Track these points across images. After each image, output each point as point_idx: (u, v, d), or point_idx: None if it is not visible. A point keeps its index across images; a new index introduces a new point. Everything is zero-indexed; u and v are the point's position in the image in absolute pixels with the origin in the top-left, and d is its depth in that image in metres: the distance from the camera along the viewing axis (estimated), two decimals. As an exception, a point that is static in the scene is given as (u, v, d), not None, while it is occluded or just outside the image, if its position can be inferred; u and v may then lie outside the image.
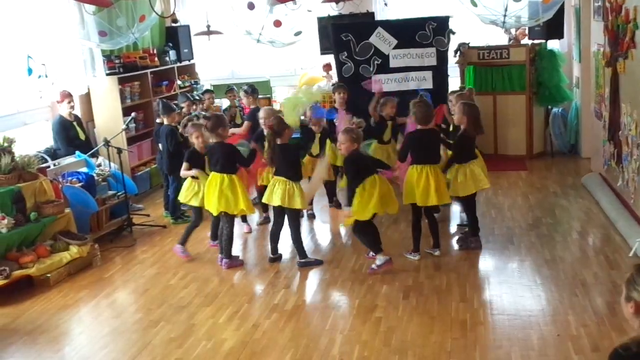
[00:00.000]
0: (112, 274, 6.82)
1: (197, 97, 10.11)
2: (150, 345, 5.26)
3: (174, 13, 10.59)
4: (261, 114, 7.61)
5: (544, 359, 4.63)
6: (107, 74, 9.31)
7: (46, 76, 8.40)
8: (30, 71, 8.23)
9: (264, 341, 5.23)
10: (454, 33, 9.58)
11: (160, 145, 8.39)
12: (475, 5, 7.79)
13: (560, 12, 9.60)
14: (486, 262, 6.48)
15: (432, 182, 6.34)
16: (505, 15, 7.47)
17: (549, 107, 10.38)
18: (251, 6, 8.21)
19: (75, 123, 8.74)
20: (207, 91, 10.67)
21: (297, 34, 8.75)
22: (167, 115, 8.23)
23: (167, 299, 6.14)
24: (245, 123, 8.92)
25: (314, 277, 6.36)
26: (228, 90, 10.00)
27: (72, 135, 8.68)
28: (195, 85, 11.45)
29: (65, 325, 5.82)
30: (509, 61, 10.12)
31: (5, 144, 6.99)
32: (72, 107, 8.71)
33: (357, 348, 4.97)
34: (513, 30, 10.40)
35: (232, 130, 9.12)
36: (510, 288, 5.80)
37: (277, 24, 8.40)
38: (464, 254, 6.70)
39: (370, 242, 6.42)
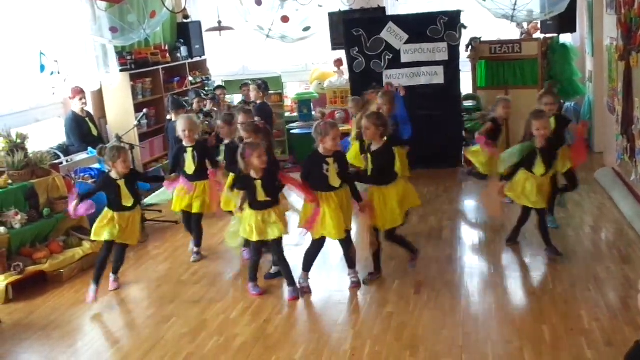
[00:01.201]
0: (125, 269, 6.83)
1: (208, 94, 10.15)
2: (162, 341, 5.29)
3: (184, 9, 10.60)
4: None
5: (556, 353, 4.61)
6: (119, 71, 9.34)
7: (59, 73, 8.45)
8: (42, 68, 8.28)
9: (275, 336, 5.24)
10: (465, 27, 9.54)
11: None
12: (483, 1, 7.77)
13: (572, 6, 9.56)
14: (498, 256, 6.45)
15: None
16: (514, 9, 7.43)
17: (562, 101, 10.31)
18: (259, 2, 8.20)
19: (87, 119, 8.79)
20: (218, 87, 10.71)
21: (306, 29, 8.74)
22: (177, 111, 8.25)
23: (179, 294, 6.16)
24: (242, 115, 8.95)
25: (325, 273, 6.34)
26: (243, 85, 10.02)
27: (85, 131, 8.74)
28: (206, 82, 11.48)
29: (78, 320, 5.85)
30: (521, 55, 10.04)
31: (19, 141, 7.04)
32: (85, 104, 8.75)
33: (369, 343, 4.96)
34: (525, 25, 10.34)
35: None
36: (522, 282, 5.77)
37: (285, 19, 8.39)
38: (475, 249, 6.69)
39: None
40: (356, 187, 5.86)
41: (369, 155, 5.87)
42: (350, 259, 6.03)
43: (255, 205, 5.71)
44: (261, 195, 5.68)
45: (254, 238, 5.73)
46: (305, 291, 5.93)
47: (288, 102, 11.81)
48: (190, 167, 6.73)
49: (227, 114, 7.07)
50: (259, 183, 5.65)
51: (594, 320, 4.98)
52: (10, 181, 6.89)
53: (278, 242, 5.86)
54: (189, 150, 6.76)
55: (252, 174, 5.66)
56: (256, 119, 8.62)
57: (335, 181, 5.70)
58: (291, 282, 5.90)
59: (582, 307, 5.21)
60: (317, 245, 5.96)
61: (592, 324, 4.94)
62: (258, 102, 9.14)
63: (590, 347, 4.62)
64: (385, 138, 5.81)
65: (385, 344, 4.92)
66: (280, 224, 5.74)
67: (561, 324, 5.01)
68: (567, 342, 4.76)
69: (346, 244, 5.93)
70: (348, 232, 5.89)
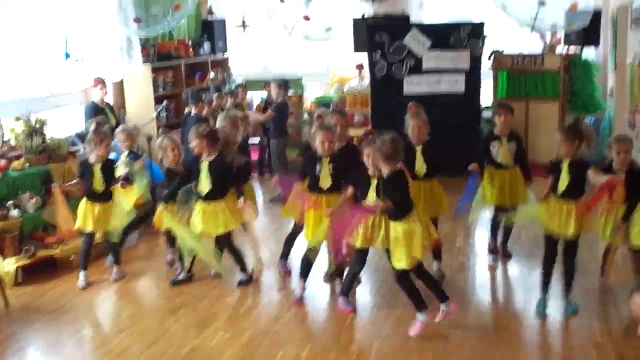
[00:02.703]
0: (136, 259, 6.84)
1: (229, 91, 10.14)
2: (168, 332, 5.28)
3: (209, 3, 10.63)
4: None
5: (566, 366, 4.57)
6: (142, 62, 9.37)
7: (82, 60, 8.48)
8: (67, 55, 8.32)
9: (283, 333, 5.23)
10: (486, 37, 9.50)
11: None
12: (505, 9, 7.74)
13: (596, 21, 9.52)
14: (513, 269, 6.40)
15: None
16: (535, 19, 7.39)
17: (582, 115, 10.24)
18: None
19: (107, 109, 8.81)
20: (240, 85, 10.73)
21: (328, 29, 8.72)
22: (195, 105, 8.25)
23: (188, 287, 6.15)
24: (269, 112, 8.96)
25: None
26: (267, 84, 10.03)
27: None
28: (227, 79, 11.50)
29: (87, 307, 5.86)
30: (543, 68, 10.00)
31: (37, 125, 7.08)
32: (105, 94, 8.77)
33: (376, 344, 4.94)
34: (548, 37, 10.29)
35: (254, 116, 9.15)
36: (536, 295, 5.70)
37: (306, 18, 8.37)
38: (487, 258, 6.64)
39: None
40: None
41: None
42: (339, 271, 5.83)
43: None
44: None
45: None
46: (297, 302, 5.72)
47: (308, 104, 11.79)
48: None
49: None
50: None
51: (607, 334, 4.94)
52: (27, 164, 6.92)
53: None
54: None
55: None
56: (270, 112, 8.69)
57: (325, 183, 5.55)
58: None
59: (595, 321, 5.16)
60: (314, 253, 5.71)
61: (605, 337, 4.90)
62: (279, 100, 9.12)
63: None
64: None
65: (393, 345, 4.89)
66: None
67: (574, 337, 4.97)
68: (579, 355, 4.71)
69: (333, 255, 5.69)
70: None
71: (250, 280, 6.15)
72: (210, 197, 5.81)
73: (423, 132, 5.80)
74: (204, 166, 5.80)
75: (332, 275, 6.00)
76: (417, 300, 5.06)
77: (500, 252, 6.52)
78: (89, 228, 6.19)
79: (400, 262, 4.92)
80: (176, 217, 5.92)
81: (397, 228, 4.94)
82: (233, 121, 6.37)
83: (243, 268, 6.15)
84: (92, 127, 6.27)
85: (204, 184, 5.80)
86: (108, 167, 6.19)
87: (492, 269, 6.35)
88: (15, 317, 5.64)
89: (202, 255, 5.97)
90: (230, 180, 5.90)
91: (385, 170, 4.94)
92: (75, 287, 6.21)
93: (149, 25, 8.01)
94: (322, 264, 6.08)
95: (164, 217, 6.01)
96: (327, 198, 5.55)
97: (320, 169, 5.55)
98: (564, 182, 5.16)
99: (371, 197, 5.21)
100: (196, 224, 5.83)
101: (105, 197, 6.17)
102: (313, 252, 5.71)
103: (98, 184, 6.13)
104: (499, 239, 6.52)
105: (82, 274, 6.26)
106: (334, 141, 5.57)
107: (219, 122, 6.38)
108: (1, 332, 5.34)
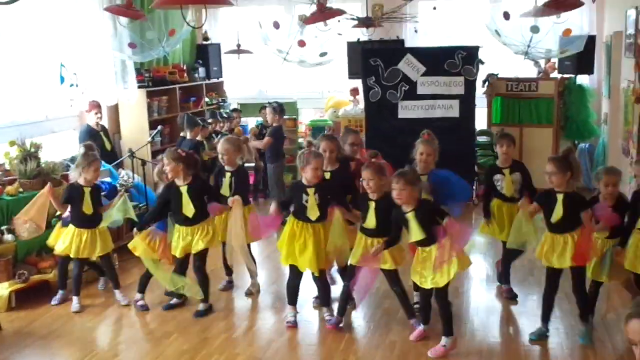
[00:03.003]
0: (130, 283, 6.81)
1: (226, 116, 10.17)
2: (162, 356, 5.25)
3: (205, 32, 10.69)
4: None
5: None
6: (137, 87, 9.41)
7: (77, 85, 8.51)
8: (62, 79, 8.34)
9: (277, 357, 5.20)
10: (482, 63, 9.59)
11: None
12: (499, 35, 7.80)
13: (590, 48, 9.59)
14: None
15: None
16: (529, 46, 7.44)
17: (576, 142, 10.31)
18: (276, 25, 8.23)
19: (101, 133, 8.82)
20: (234, 110, 10.77)
21: (323, 54, 8.77)
22: (191, 130, 8.27)
23: (182, 311, 6.12)
24: (266, 138, 9.00)
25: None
26: (262, 108, 10.08)
27: (98, 145, 8.70)
28: (222, 104, 11.54)
29: (80, 331, 5.82)
30: (537, 94, 10.07)
31: (32, 150, 7.07)
32: (100, 118, 8.80)
33: (371, 370, 4.92)
34: (542, 64, 10.37)
35: (253, 143, 9.22)
36: (529, 320, 5.68)
37: (302, 44, 8.41)
38: (482, 282, 6.63)
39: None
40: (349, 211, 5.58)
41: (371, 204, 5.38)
42: (324, 297, 5.85)
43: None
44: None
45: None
46: (291, 326, 5.71)
47: (302, 128, 11.83)
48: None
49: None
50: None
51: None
52: (21, 189, 6.91)
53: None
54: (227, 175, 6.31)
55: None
56: (267, 138, 8.74)
57: (313, 213, 5.51)
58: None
59: (589, 347, 5.14)
60: (294, 276, 5.73)
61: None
62: (274, 124, 9.16)
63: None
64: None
65: (387, 372, 4.86)
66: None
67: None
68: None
69: (320, 281, 5.73)
70: (323, 270, 5.68)
71: (209, 311, 6.06)
72: (196, 220, 5.86)
73: (431, 161, 5.80)
74: (184, 190, 5.83)
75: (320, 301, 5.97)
76: (449, 323, 5.19)
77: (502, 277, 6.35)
78: (77, 254, 6.18)
79: (443, 278, 5.01)
80: (146, 243, 5.95)
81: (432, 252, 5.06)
82: (236, 144, 6.35)
83: (205, 298, 6.05)
84: (81, 150, 6.27)
85: (187, 209, 5.81)
86: (97, 191, 6.20)
87: (488, 294, 6.35)
88: (8, 342, 5.59)
89: (159, 279, 6.08)
90: (211, 198, 5.97)
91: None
92: (69, 311, 6.17)
93: (143, 51, 8.04)
94: (311, 289, 6.04)
95: (138, 243, 6.01)
96: (314, 226, 5.53)
97: (307, 198, 5.51)
98: (557, 214, 5.12)
99: (370, 219, 5.30)
100: (176, 247, 5.90)
101: (94, 221, 6.17)
102: (294, 274, 5.70)
103: (87, 207, 6.12)
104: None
105: (75, 299, 6.23)
106: (322, 169, 5.56)
107: (221, 146, 6.33)
108: (-7, 357, 5.30)
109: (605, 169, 5.52)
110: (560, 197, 5.11)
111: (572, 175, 5.10)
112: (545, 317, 5.37)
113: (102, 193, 7.08)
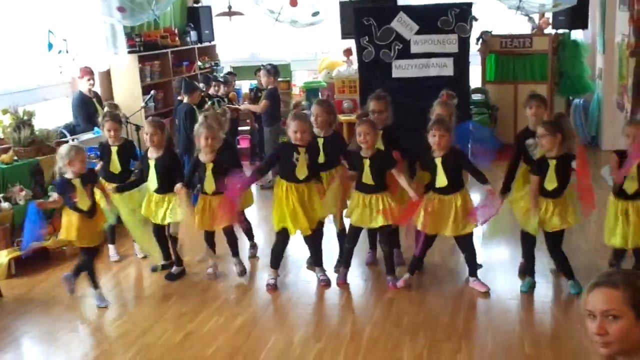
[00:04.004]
0: (127, 248, 6.84)
1: (222, 80, 10.09)
2: (162, 319, 5.30)
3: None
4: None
5: (556, 343, 4.62)
6: (128, 52, 9.34)
7: (67, 52, 8.44)
8: (50, 46, 8.27)
9: (276, 318, 5.30)
10: (476, 20, 9.49)
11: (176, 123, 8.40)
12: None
13: (584, 3, 9.53)
14: (502, 249, 6.42)
15: None
16: (521, 0, 7.38)
17: (570, 97, 10.29)
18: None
19: (94, 100, 8.77)
20: (230, 73, 10.71)
21: (315, 14, 8.69)
22: (190, 94, 8.21)
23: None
24: (263, 101, 8.95)
25: (329, 259, 6.26)
26: (257, 70, 10.02)
27: (91, 111, 8.69)
28: (215, 67, 11.46)
29: (80, 297, 5.86)
30: (532, 50, 10.02)
31: (25, 117, 7.04)
32: (92, 84, 8.73)
33: (368, 328, 4.97)
34: (536, 19, 10.30)
35: (248, 106, 9.17)
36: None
37: (293, 3, 8.32)
38: (479, 238, 6.65)
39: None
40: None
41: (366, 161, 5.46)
42: (316, 258, 5.90)
43: None
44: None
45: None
46: (271, 289, 5.72)
47: (296, 91, 11.77)
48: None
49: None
50: None
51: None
52: (15, 157, 6.90)
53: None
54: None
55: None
56: (264, 102, 8.72)
57: (301, 173, 5.49)
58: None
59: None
60: (281, 241, 5.75)
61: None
62: (269, 87, 9.11)
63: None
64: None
65: (385, 329, 4.92)
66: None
67: (562, 315, 5.02)
68: (567, 333, 4.76)
69: (311, 240, 5.76)
70: (315, 229, 5.65)
71: (182, 274, 6.11)
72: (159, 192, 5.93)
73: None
74: (151, 163, 5.89)
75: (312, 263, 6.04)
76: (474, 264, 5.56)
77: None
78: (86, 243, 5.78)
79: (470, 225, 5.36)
80: (126, 205, 5.90)
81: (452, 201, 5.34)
82: (216, 120, 6.22)
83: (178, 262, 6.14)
84: (65, 147, 5.67)
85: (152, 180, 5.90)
86: (89, 179, 5.68)
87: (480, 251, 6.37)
88: (9, 308, 5.64)
89: (139, 242, 6.21)
90: (179, 176, 5.91)
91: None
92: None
93: (133, 14, 7.96)
94: (305, 250, 6.07)
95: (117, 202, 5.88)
96: (300, 186, 5.53)
97: (298, 158, 5.49)
98: (552, 181, 5.12)
99: (367, 177, 5.38)
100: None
101: (93, 213, 5.64)
102: (282, 239, 5.73)
103: (82, 200, 5.52)
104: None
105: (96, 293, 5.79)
106: (308, 131, 5.51)
107: (199, 125, 5.96)
108: (-5, 323, 5.35)
109: (630, 119, 5.39)
110: (552, 163, 5.11)
111: (562, 138, 5.09)
112: (531, 270, 5.49)
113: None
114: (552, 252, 5.42)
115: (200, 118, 6.20)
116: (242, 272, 6.01)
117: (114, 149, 6.34)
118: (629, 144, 4.99)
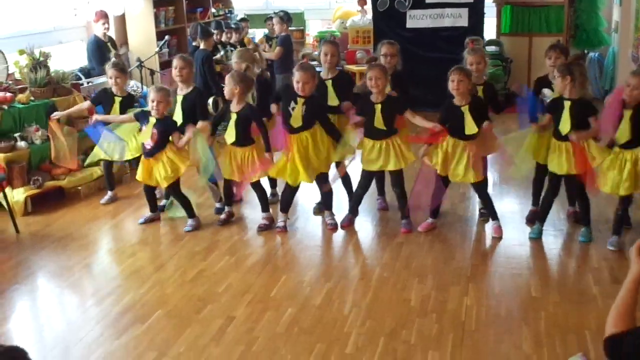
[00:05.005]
0: (140, 191, 6.92)
1: (234, 26, 10.06)
2: (175, 257, 5.41)
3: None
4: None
5: (563, 288, 4.69)
6: (143, -4, 9.33)
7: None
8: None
9: (287, 258, 5.39)
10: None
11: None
12: None
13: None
14: (512, 199, 6.47)
15: None
16: None
17: (586, 51, 10.22)
18: None
19: (109, 44, 8.79)
20: (242, 20, 10.66)
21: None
22: (206, 40, 8.20)
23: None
24: (278, 49, 8.93)
25: (340, 202, 6.25)
26: (267, 19, 9.98)
27: (106, 55, 8.73)
28: (229, 14, 11.43)
29: (95, 234, 5.99)
30: (548, 1, 9.94)
31: (41, 58, 7.07)
32: (107, 28, 8.75)
33: (377, 269, 5.06)
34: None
35: (263, 54, 9.13)
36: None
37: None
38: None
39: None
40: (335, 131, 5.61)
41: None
42: (326, 201, 5.93)
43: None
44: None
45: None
46: (280, 231, 5.78)
47: (310, 40, 11.74)
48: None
49: None
50: None
51: (603, 260, 5.05)
52: (32, 98, 6.96)
53: None
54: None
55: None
56: (279, 49, 8.68)
57: (295, 122, 5.50)
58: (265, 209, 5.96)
59: (592, 247, 5.27)
60: (289, 187, 5.75)
61: (602, 262, 5.01)
62: (283, 33, 9.08)
63: (597, 283, 4.68)
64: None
65: (394, 271, 5.01)
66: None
67: (569, 261, 5.10)
68: (574, 277, 4.85)
69: (319, 186, 5.83)
70: (319, 176, 5.69)
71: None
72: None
73: (481, 69, 5.69)
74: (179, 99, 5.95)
75: (321, 207, 6.10)
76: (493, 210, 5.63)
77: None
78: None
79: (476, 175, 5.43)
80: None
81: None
82: (251, 57, 6.29)
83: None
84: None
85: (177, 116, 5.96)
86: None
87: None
88: (26, 244, 5.78)
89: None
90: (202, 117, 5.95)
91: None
92: (84, 216, 6.33)
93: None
94: (312, 196, 6.18)
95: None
96: (296, 137, 5.53)
97: (295, 107, 5.51)
98: (565, 123, 5.12)
99: (378, 121, 5.41)
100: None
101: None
102: (291, 186, 5.74)
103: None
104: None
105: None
106: (310, 83, 5.48)
107: (235, 59, 6.18)
108: (12, 258, 5.47)
109: (634, 71, 5.25)
110: (567, 104, 5.12)
111: (572, 80, 5.08)
112: (543, 218, 5.51)
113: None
114: (579, 196, 5.39)
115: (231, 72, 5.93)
116: (268, 227, 5.91)
117: (117, 99, 6.40)
118: (628, 94, 4.95)
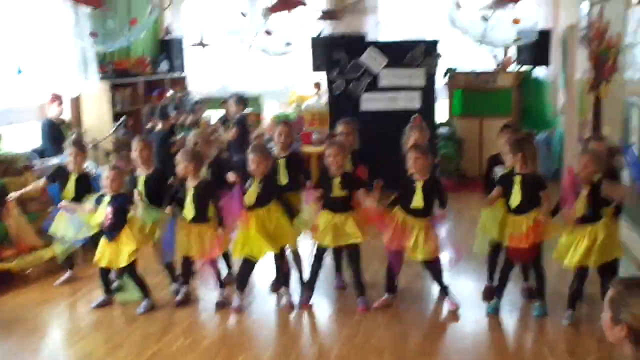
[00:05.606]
0: (92, 273, 6.75)
1: (188, 109, 10.15)
2: (128, 339, 5.25)
3: (165, 21, 10.65)
4: None
5: (520, 363, 4.69)
6: (99, 78, 9.36)
7: (36, 76, 8.43)
8: (20, 71, 8.26)
9: (244, 338, 5.31)
10: (440, 57, 9.74)
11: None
12: (454, 24, 8.01)
13: (546, 40, 9.88)
14: (467, 270, 6.44)
15: None
16: (483, 34, 7.64)
17: (534, 132, 10.53)
18: (243, 14, 8.34)
19: (63, 127, 8.75)
20: (197, 103, 10.76)
21: (288, 44, 8.86)
22: (163, 121, 8.24)
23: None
24: (234, 129, 9.00)
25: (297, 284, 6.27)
26: (223, 102, 10.09)
27: (60, 137, 8.67)
28: (185, 97, 11.52)
29: (44, 318, 5.79)
30: (496, 86, 10.30)
31: (-8, 139, 7.01)
32: (62, 110, 8.73)
33: (335, 348, 5.01)
34: (499, 56, 10.61)
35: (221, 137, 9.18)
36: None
37: (268, 33, 8.51)
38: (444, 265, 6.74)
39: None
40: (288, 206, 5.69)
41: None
42: (284, 278, 5.93)
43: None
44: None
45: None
46: (236, 311, 5.70)
47: (266, 123, 11.84)
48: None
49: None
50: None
51: (561, 332, 5.08)
52: (-17, 179, 6.84)
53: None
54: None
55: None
56: (235, 129, 8.78)
57: (250, 199, 5.52)
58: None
59: (548, 321, 5.28)
60: (246, 264, 5.72)
61: (558, 335, 5.03)
62: (237, 115, 9.18)
63: (554, 355, 4.69)
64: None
65: (352, 348, 4.95)
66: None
67: (525, 336, 5.12)
68: (531, 351, 4.85)
69: (275, 262, 5.84)
70: (277, 253, 5.69)
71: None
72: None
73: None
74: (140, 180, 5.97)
75: (278, 285, 6.04)
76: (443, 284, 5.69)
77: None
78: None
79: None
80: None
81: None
82: (206, 137, 6.38)
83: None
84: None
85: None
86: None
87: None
88: (-30, 328, 5.56)
89: None
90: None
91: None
92: (33, 299, 6.13)
93: (105, 40, 8.00)
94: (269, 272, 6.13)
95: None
96: (254, 213, 5.54)
97: (250, 185, 5.56)
98: (516, 197, 5.23)
99: (336, 192, 5.54)
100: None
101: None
102: (249, 263, 5.70)
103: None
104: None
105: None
106: (264, 164, 5.56)
107: (191, 139, 6.30)
108: (-43, 343, 5.25)
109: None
110: (517, 179, 5.24)
111: (523, 156, 5.21)
112: (500, 291, 5.53)
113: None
114: (534, 266, 5.41)
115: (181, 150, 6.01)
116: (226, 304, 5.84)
117: (72, 177, 6.32)
118: (581, 173, 5.07)
